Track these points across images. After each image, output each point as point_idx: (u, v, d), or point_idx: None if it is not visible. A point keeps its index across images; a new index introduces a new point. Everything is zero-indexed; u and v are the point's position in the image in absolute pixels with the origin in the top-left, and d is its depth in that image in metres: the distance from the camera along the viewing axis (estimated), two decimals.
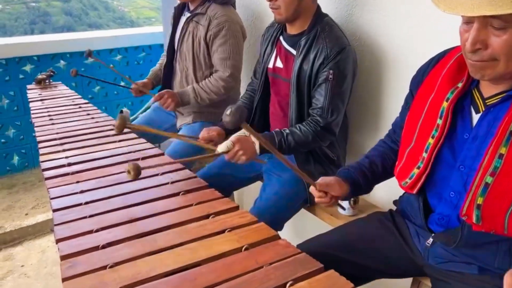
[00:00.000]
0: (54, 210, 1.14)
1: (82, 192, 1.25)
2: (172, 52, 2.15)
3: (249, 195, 2.26)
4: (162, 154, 1.57)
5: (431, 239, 1.10)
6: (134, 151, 1.58)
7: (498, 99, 0.96)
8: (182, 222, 1.12)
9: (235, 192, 1.82)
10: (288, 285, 0.90)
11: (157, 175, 1.39)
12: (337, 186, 1.20)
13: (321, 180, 1.21)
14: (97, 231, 1.06)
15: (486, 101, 0.99)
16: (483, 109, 0.99)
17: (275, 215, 1.48)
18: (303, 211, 1.63)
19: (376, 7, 1.62)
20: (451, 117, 1.02)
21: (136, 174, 1.10)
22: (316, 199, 1.22)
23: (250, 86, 1.89)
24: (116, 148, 1.60)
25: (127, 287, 0.87)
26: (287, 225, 1.58)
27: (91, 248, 0.99)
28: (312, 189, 1.22)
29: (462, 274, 1.06)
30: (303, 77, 1.52)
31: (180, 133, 2.10)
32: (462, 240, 1.00)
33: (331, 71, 1.46)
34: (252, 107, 1.80)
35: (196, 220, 1.14)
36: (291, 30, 1.59)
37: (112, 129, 1.81)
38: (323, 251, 1.16)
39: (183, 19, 2.08)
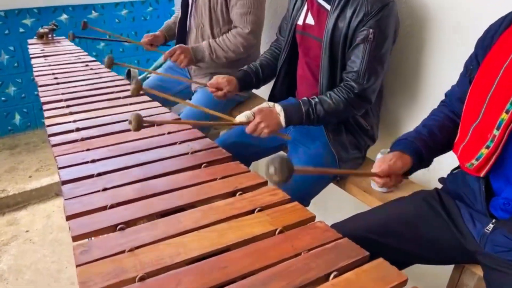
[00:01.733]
0: (64, 182, 1.04)
1: (93, 161, 1.15)
2: (186, 7, 1.98)
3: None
4: (178, 119, 1.46)
5: (491, 225, 1.00)
6: (149, 115, 1.46)
7: None
8: (206, 199, 1.02)
9: (252, 163, 1.72)
10: (332, 276, 0.80)
11: (175, 143, 1.29)
12: (399, 162, 1.07)
13: (380, 164, 1.08)
14: (111, 207, 0.96)
15: None
16: None
17: (302, 190, 1.38)
18: (331, 185, 1.52)
19: None
20: None
21: (138, 125, 1.05)
22: (380, 186, 1.13)
23: (275, 43, 1.74)
24: (128, 111, 1.48)
25: (149, 274, 0.78)
26: (314, 201, 1.48)
27: (106, 228, 0.90)
28: (373, 179, 1.12)
29: None
30: (338, 36, 1.38)
31: (195, 96, 1.97)
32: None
33: (371, 30, 1.31)
34: (276, 67, 1.66)
35: (222, 197, 1.04)
36: None
37: (122, 90, 1.69)
38: (362, 235, 1.06)
39: None
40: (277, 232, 0.92)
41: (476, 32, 1.10)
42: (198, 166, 1.17)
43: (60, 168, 1.10)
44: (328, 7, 1.40)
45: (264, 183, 1.11)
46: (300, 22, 1.52)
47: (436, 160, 1.16)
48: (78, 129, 1.34)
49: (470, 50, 1.11)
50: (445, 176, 1.22)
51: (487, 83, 0.97)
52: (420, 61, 1.56)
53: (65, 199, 0.97)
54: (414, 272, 1.14)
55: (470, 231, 1.06)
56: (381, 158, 1.11)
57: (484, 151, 0.97)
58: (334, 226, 1.16)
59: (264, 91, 1.93)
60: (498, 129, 0.94)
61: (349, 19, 1.34)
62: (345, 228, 1.04)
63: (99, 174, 1.08)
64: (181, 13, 2.02)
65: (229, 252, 0.85)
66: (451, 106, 1.17)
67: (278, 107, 1.33)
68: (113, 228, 0.89)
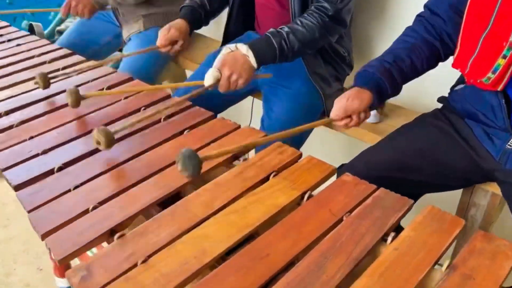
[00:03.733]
0: (16, 188, 0.82)
1: (44, 152, 0.92)
2: None
3: (234, 116, 1.93)
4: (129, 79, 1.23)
5: None
6: (92, 80, 1.21)
7: None
8: (207, 172, 0.85)
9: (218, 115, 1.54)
10: (389, 239, 0.71)
11: (138, 110, 1.07)
12: (356, 101, 1.00)
13: (336, 107, 1.01)
14: (94, 208, 0.77)
15: None
16: None
17: (292, 136, 1.25)
18: (320, 127, 1.40)
19: None
20: None
21: (109, 141, 0.86)
22: (343, 129, 1.04)
23: None
24: (61, 79, 1.22)
25: (183, 285, 0.63)
26: (305, 147, 1.36)
27: (99, 238, 0.71)
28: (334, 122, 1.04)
29: None
30: None
31: (130, 44, 1.70)
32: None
33: None
34: None
35: (224, 166, 0.88)
36: None
37: (44, 53, 1.40)
38: (377, 175, 0.98)
39: None
40: (305, 198, 0.80)
41: None
42: (179, 133, 0.99)
43: (3, 170, 0.86)
44: None
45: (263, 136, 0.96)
46: None
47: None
48: (7, 113, 1.06)
49: None
50: (444, 95, 1.15)
51: None
52: None
53: (29, 212, 0.76)
54: (421, 199, 1.10)
55: (487, 149, 1.02)
56: (337, 100, 1.02)
57: (501, 61, 0.89)
58: (342, 169, 1.06)
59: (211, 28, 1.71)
60: None
61: None
62: (357, 170, 0.94)
63: (60, 169, 0.86)
64: None
65: (262, 236, 0.71)
66: (432, 19, 1.06)
67: (243, 48, 1.14)
68: (107, 237, 0.71)
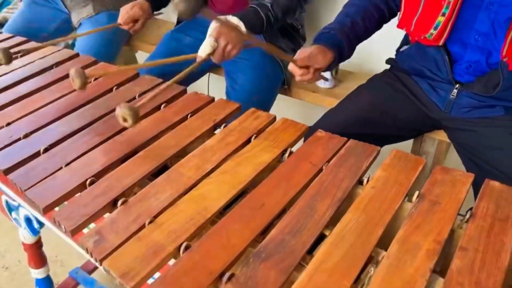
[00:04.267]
0: (6, 172, 0.82)
1: (26, 136, 0.92)
2: None
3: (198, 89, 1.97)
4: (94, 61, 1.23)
5: (455, 91, 1.08)
6: (56, 63, 1.20)
7: None
8: (193, 142, 0.91)
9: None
10: (365, 180, 0.81)
11: (111, 90, 1.09)
12: (320, 56, 1.06)
13: (300, 53, 1.06)
14: (92, 183, 0.79)
15: None
16: None
17: (258, 104, 1.31)
18: (280, 96, 1.48)
19: None
20: None
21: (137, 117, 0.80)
22: (298, 78, 1.08)
23: None
24: (30, 63, 1.20)
25: (191, 241, 0.68)
26: None
27: (104, 208, 0.74)
28: (291, 66, 1.08)
29: (488, 118, 1.07)
30: None
31: (80, 29, 1.67)
32: (504, 84, 0.99)
33: None
34: None
35: (206, 135, 0.94)
36: None
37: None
38: (342, 132, 1.07)
39: None
40: (287, 155, 0.88)
41: None
42: (157, 108, 1.02)
43: None
44: None
45: (238, 108, 1.02)
46: None
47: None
48: None
49: None
50: (391, 56, 1.27)
51: None
52: None
53: (25, 190, 0.77)
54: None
55: (433, 100, 1.14)
56: (302, 48, 1.08)
57: (441, 18, 1.01)
58: (309, 131, 1.15)
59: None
60: None
61: None
62: (323, 129, 1.03)
63: (46, 150, 0.87)
64: None
65: (255, 189, 0.78)
66: None
67: (234, 19, 1.17)
68: (110, 207, 0.75)
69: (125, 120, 0.79)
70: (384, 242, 0.69)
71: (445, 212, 0.73)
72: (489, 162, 1.03)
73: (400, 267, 0.64)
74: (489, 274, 0.63)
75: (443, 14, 1.00)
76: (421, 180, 0.83)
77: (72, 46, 1.79)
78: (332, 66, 1.12)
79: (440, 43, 1.04)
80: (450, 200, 0.75)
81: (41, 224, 1.05)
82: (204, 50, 1.11)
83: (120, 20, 1.39)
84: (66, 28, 1.76)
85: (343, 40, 1.09)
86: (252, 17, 1.21)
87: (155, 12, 1.49)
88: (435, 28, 1.01)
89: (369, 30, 1.15)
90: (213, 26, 1.13)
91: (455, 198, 0.76)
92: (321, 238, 0.70)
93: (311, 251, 0.68)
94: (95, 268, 1.45)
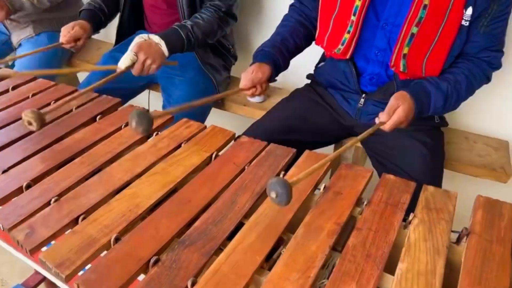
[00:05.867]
0: None
1: None
2: None
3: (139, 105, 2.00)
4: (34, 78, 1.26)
5: (362, 100, 1.22)
6: None
7: None
8: (128, 148, 0.97)
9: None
10: (282, 175, 0.90)
11: (49, 104, 1.13)
12: (259, 73, 1.18)
13: (244, 80, 1.17)
14: (28, 186, 0.83)
15: None
16: None
17: (192, 118, 1.39)
18: (214, 110, 1.57)
19: None
20: None
21: (41, 120, 0.93)
22: (250, 96, 1.20)
23: None
24: None
25: (122, 233, 0.74)
26: None
27: (39, 208, 0.78)
28: (242, 91, 1.19)
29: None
30: None
31: (20, 50, 1.68)
32: (397, 92, 1.13)
33: None
34: (116, 1, 1.54)
35: (140, 143, 1.00)
36: None
37: None
38: (269, 138, 1.17)
39: None
40: (213, 157, 0.96)
41: None
42: (93, 120, 1.07)
43: None
44: None
45: (171, 118, 1.09)
46: None
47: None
48: None
49: None
50: (311, 72, 1.39)
51: None
52: None
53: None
54: None
55: (345, 109, 1.27)
56: (243, 73, 1.20)
57: (346, 35, 1.15)
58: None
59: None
60: (354, 14, 1.12)
61: None
62: (252, 137, 1.13)
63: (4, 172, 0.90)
64: None
65: (183, 188, 0.86)
66: (301, 8, 1.30)
67: (155, 38, 1.25)
68: (45, 204, 0.79)
69: (30, 123, 0.88)
70: (294, 227, 0.78)
71: (345, 200, 0.84)
72: (391, 161, 1.17)
73: (305, 245, 0.73)
74: (378, 248, 0.74)
75: (348, 32, 1.14)
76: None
77: (12, 66, 1.78)
78: (272, 78, 1.23)
79: (348, 57, 1.17)
80: (350, 190, 0.86)
81: None
82: (123, 63, 1.18)
83: (62, 39, 1.42)
84: (5, 49, 1.76)
85: (276, 55, 1.21)
86: (173, 36, 1.29)
87: None
88: (342, 44, 1.15)
89: (298, 45, 1.28)
90: (135, 41, 1.21)
91: (354, 189, 0.87)
92: (240, 226, 0.78)
93: (231, 238, 0.76)
94: (37, 284, 1.44)
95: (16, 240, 0.70)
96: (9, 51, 1.78)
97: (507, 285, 0.69)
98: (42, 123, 0.93)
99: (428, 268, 0.71)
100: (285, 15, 1.34)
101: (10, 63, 1.89)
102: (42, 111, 0.94)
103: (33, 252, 0.68)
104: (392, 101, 1.02)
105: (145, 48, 1.20)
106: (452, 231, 0.80)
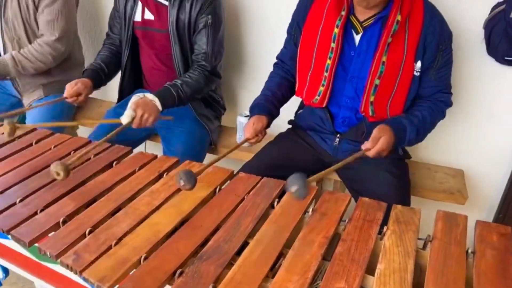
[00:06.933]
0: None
1: (2, 192, 1.06)
2: None
3: None
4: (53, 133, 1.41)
5: (337, 139, 1.40)
6: (13, 139, 1.36)
7: (371, 21, 1.27)
8: (144, 188, 1.11)
9: None
10: (275, 203, 1.06)
11: (69, 153, 1.27)
12: (260, 124, 1.35)
13: (247, 131, 1.34)
14: (64, 222, 0.96)
15: (362, 24, 1.28)
16: (361, 30, 1.29)
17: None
18: (208, 155, 1.73)
19: None
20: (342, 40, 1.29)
21: (67, 171, 1.06)
22: (254, 143, 1.37)
23: (108, 41, 1.77)
24: None
25: (148, 253, 0.87)
26: None
27: (79, 238, 0.91)
28: (248, 141, 1.35)
29: (363, 158, 1.39)
30: (182, 27, 1.55)
31: (31, 111, 1.82)
32: (368, 131, 1.32)
33: (209, 16, 1.53)
34: (116, 62, 1.73)
35: (155, 182, 1.14)
36: None
37: None
38: (260, 174, 1.33)
39: None
40: (217, 191, 1.11)
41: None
42: (110, 165, 1.21)
43: None
44: (166, 3, 1.55)
45: (177, 161, 1.25)
46: (137, 18, 1.62)
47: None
48: None
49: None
50: (291, 118, 1.59)
51: (312, 41, 1.34)
52: (242, 41, 1.88)
53: (8, 231, 0.92)
54: None
55: (324, 148, 1.46)
56: (246, 125, 1.37)
57: (321, 88, 1.35)
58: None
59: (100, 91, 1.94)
60: (327, 71, 1.33)
61: (189, 11, 1.53)
62: (248, 171, 1.28)
63: (22, 200, 1.03)
64: None
65: (195, 216, 1.00)
66: (283, 66, 1.52)
67: (150, 95, 1.43)
68: (83, 235, 0.92)
69: (58, 174, 1.02)
70: (290, 244, 0.93)
71: (330, 219, 0.99)
72: (364, 188, 1.34)
73: (301, 255, 0.88)
74: (360, 253, 0.89)
75: (323, 85, 1.34)
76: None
77: (23, 121, 1.91)
78: (270, 124, 1.41)
79: (323, 105, 1.37)
80: (334, 212, 1.03)
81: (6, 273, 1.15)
82: (124, 119, 1.34)
83: (65, 94, 1.54)
84: (14, 109, 1.90)
85: (270, 107, 1.40)
86: (166, 94, 1.47)
87: None
88: (319, 95, 1.35)
89: (285, 96, 1.49)
90: (132, 100, 1.38)
91: (337, 210, 1.03)
92: (246, 244, 0.92)
93: (239, 253, 0.90)
94: None
95: (66, 264, 0.82)
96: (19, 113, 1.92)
97: (464, 276, 0.85)
98: (68, 174, 1.06)
99: (401, 267, 0.86)
100: (271, 72, 1.54)
101: (17, 118, 2.03)
102: (68, 162, 1.08)
103: (81, 272, 0.81)
104: (376, 132, 1.20)
105: (142, 104, 1.37)
106: (419, 239, 0.96)
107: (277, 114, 1.44)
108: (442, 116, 1.37)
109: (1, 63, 1.71)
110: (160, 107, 1.44)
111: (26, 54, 1.73)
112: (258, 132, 1.34)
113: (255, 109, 1.41)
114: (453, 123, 1.62)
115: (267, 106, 1.40)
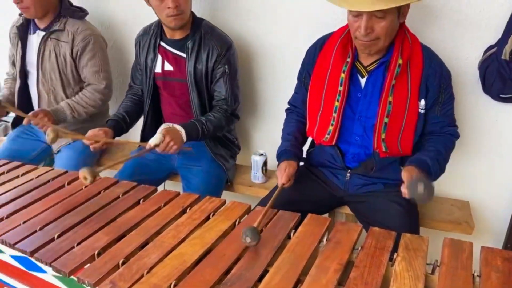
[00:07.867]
0: (33, 253, 1.04)
1: (41, 229, 1.15)
2: (26, 75, 1.96)
3: None
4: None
5: (348, 174, 1.48)
6: (47, 181, 1.46)
7: (375, 66, 1.38)
8: (169, 222, 1.18)
9: None
10: (292, 234, 1.12)
11: (99, 193, 1.36)
12: (291, 168, 1.43)
13: (282, 178, 1.40)
14: (99, 254, 1.03)
15: (367, 68, 1.39)
16: (366, 74, 1.40)
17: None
18: (225, 192, 1.81)
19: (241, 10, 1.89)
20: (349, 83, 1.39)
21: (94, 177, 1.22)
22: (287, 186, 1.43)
23: (131, 91, 1.91)
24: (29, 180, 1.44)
25: (177, 281, 0.93)
26: None
27: (113, 268, 0.98)
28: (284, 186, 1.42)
29: (373, 191, 1.47)
30: (199, 76, 1.68)
31: (59, 155, 1.95)
32: (377, 166, 1.40)
33: (226, 66, 1.66)
34: (137, 111, 1.85)
35: (179, 217, 1.22)
36: (174, 35, 1.71)
37: None
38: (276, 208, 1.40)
39: (35, 38, 1.91)
40: (237, 223, 1.18)
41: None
42: (137, 203, 1.30)
43: (14, 244, 1.07)
44: (183, 55, 1.69)
45: (199, 198, 1.33)
46: (158, 70, 1.76)
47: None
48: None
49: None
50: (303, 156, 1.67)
51: (320, 85, 1.45)
52: (254, 87, 2.01)
53: (51, 263, 0.99)
54: None
55: (335, 183, 1.53)
56: (279, 172, 1.44)
57: (330, 128, 1.44)
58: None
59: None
60: (335, 112, 1.42)
61: (205, 61, 1.66)
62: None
63: (59, 236, 1.11)
64: (20, 82, 1.97)
65: (218, 246, 1.07)
66: (296, 110, 1.62)
67: (177, 126, 1.55)
68: (116, 265, 0.99)
69: (85, 178, 1.15)
70: (307, 271, 0.98)
71: (343, 248, 1.05)
72: (375, 220, 1.40)
73: (317, 281, 0.93)
74: (373, 278, 0.94)
75: (332, 125, 1.43)
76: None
77: (50, 164, 2.03)
78: (298, 167, 1.48)
79: (333, 143, 1.46)
80: (347, 240, 1.08)
81: None
82: (153, 140, 1.45)
83: (86, 135, 1.62)
84: (44, 155, 2.03)
85: (296, 151, 1.49)
86: (191, 127, 1.59)
87: None
88: (328, 134, 1.44)
89: (305, 138, 1.58)
90: (163, 126, 1.49)
91: (349, 239, 1.09)
92: (266, 272, 0.98)
93: (260, 280, 0.95)
94: None
95: None
96: (47, 157, 2.04)
97: None
98: (94, 178, 1.21)
99: None
100: (287, 118, 1.65)
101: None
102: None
103: None
104: (406, 174, 1.26)
105: (171, 132, 1.49)
106: (427, 264, 1.01)
107: (302, 156, 1.53)
108: (453, 147, 1.46)
109: (60, 111, 1.88)
110: (185, 138, 1.55)
111: (80, 101, 1.93)
112: (290, 177, 1.42)
113: (283, 156, 1.48)
114: (457, 157, 1.69)
115: (293, 151, 1.49)
